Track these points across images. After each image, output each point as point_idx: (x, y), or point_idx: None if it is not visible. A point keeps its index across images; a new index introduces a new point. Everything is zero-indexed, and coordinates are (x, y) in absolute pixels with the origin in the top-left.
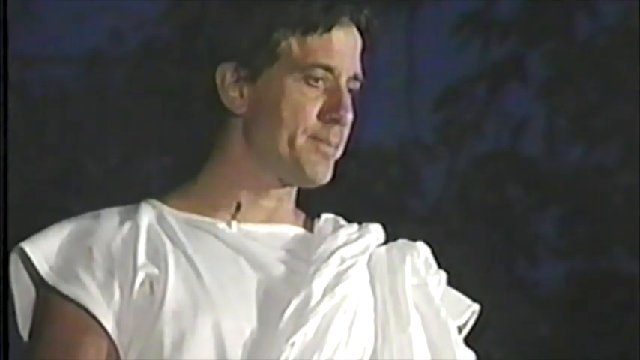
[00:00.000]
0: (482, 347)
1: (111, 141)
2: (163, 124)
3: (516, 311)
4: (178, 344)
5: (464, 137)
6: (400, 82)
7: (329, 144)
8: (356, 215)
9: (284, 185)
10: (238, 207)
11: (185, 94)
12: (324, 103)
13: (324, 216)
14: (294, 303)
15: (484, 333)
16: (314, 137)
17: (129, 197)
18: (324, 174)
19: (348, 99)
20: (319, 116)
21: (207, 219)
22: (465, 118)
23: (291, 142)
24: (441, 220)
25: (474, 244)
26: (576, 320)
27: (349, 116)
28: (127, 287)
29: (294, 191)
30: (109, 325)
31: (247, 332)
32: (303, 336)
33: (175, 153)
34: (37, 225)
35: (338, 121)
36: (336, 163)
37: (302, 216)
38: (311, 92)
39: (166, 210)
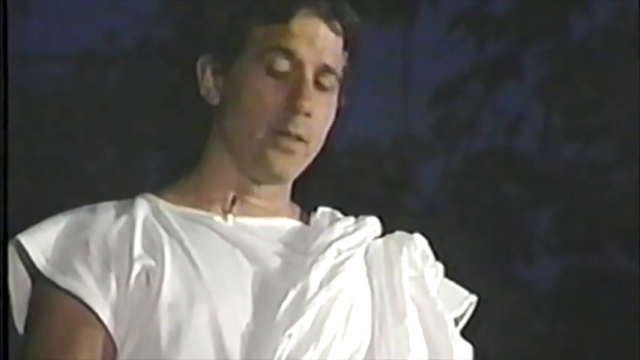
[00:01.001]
0: (477, 343)
1: (107, 138)
2: (159, 120)
3: (511, 308)
4: (175, 336)
5: (459, 135)
6: (396, 80)
7: (289, 135)
8: (351, 212)
9: None
10: (234, 200)
11: (179, 91)
12: (287, 94)
13: (321, 209)
14: (290, 295)
15: (479, 329)
16: (276, 131)
17: (125, 193)
18: (283, 170)
19: (309, 89)
20: (283, 108)
21: (203, 212)
22: (460, 115)
23: (251, 135)
24: (437, 218)
25: (469, 242)
26: (571, 317)
27: (307, 105)
28: (124, 279)
29: (288, 185)
30: (105, 317)
31: (244, 324)
32: (299, 328)
33: (171, 149)
34: (37, 222)
35: (296, 111)
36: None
37: (298, 209)
38: (273, 82)
39: (162, 204)
